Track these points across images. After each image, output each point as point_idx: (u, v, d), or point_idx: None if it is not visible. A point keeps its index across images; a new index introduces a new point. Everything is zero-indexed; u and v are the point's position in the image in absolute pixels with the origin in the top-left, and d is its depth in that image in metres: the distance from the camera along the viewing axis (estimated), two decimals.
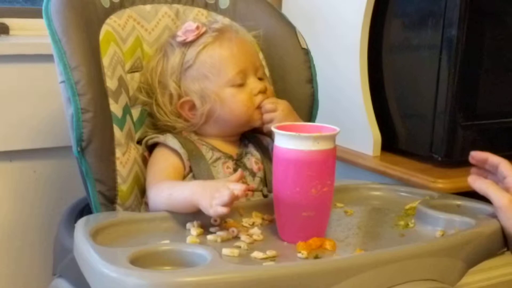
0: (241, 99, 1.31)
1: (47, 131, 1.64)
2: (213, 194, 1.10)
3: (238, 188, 1.10)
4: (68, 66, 1.20)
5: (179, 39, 1.33)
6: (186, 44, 1.33)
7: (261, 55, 1.46)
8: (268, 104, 1.32)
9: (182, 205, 1.17)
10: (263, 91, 1.32)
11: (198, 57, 1.32)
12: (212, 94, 1.31)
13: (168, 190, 1.20)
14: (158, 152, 1.31)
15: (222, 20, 1.41)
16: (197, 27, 1.33)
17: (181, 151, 1.28)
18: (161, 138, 1.31)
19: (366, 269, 1.01)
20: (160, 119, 1.35)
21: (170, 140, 1.30)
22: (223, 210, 1.09)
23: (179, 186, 1.21)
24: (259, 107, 1.32)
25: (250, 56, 1.34)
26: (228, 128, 1.34)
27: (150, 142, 1.33)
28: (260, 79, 1.34)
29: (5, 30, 1.67)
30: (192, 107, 1.33)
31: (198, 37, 1.32)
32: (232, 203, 1.10)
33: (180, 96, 1.34)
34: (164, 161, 1.29)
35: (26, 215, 1.68)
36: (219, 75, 1.31)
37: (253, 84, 1.32)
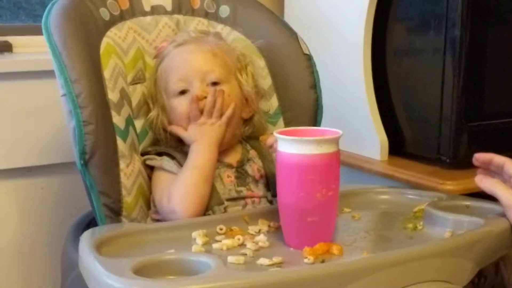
0: (182, 107, 1.31)
1: (53, 148, 1.64)
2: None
3: None
4: (68, 79, 1.20)
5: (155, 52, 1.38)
6: (157, 58, 1.38)
7: (262, 63, 1.45)
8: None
9: (202, 168, 1.25)
10: (201, 98, 1.30)
11: (157, 72, 1.36)
12: (164, 106, 1.34)
13: (181, 179, 1.25)
14: (157, 176, 1.31)
15: (193, 32, 1.40)
16: (164, 41, 1.37)
17: (179, 171, 1.28)
18: (157, 162, 1.31)
19: (373, 271, 1.00)
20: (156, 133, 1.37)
21: (166, 164, 1.30)
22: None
23: (182, 170, 1.26)
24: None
25: (198, 62, 1.32)
26: None
27: (148, 163, 1.33)
28: (216, 83, 1.32)
29: (9, 48, 1.69)
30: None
31: (162, 51, 1.36)
32: None
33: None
34: (167, 182, 1.29)
35: (35, 232, 1.68)
36: (166, 87, 1.33)
37: (195, 90, 1.31)
